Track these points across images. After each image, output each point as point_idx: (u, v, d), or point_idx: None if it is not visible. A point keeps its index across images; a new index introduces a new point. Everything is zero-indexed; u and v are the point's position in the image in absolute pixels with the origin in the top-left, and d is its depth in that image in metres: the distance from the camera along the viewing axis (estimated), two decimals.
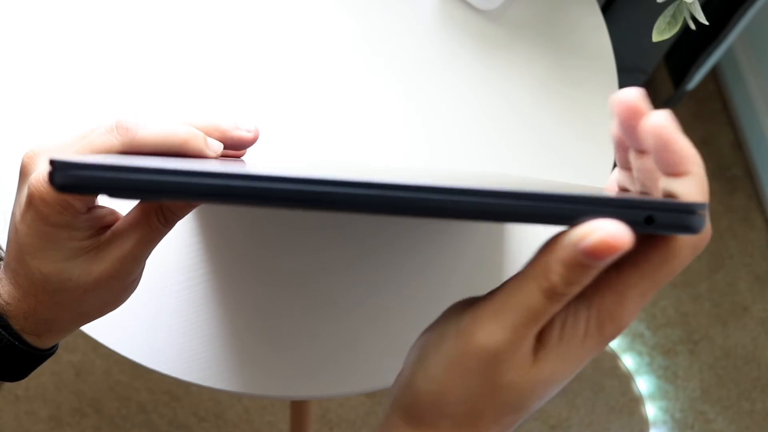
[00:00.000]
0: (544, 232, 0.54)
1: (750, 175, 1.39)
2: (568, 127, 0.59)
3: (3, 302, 0.33)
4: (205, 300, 0.51)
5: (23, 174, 0.32)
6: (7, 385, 1.11)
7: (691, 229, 0.25)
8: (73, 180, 0.23)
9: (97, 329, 0.49)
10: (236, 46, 0.59)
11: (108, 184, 0.23)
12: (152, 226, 0.33)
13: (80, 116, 0.55)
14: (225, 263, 0.52)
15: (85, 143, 0.31)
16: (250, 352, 0.50)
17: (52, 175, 0.23)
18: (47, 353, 0.36)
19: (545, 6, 0.63)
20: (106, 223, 0.34)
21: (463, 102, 0.59)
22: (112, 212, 0.35)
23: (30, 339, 0.34)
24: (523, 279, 0.26)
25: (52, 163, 0.23)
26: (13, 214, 0.33)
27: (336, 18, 0.61)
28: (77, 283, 0.32)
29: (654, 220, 0.24)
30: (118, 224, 0.34)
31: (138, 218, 0.33)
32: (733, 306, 1.27)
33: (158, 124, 0.32)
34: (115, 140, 0.31)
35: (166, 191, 0.24)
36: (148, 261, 0.47)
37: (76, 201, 0.31)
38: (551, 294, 0.25)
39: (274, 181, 0.23)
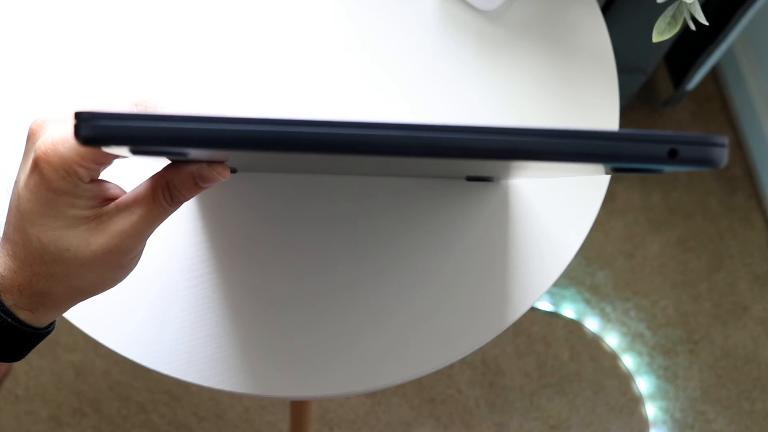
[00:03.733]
0: (546, 228, 0.53)
1: (750, 175, 1.39)
2: None
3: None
4: (206, 300, 0.51)
5: (30, 140, 0.32)
6: (7, 385, 1.11)
7: (713, 162, 0.24)
8: (99, 131, 0.23)
9: (98, 329, 0.49)
10: (237, 46, 0.59)
11: (134, 134, 0.23)
12: (158, 203, 0.33)
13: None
14: (226, 264, 0.52)
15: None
16: (251, 352, 0.50)
17: (77, 128, 0.23)
18: (42, 332, 0.36)
19: (545, 6, 0.63)
20: (109, 195, 0.33)
21: (462, 102, 0.59)
22: (117, 186, 0.34)
23: (23, 315, 0.34)
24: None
25: (77, 115, 0.23)
26: (16, 181, 0.33)
27: (335, 18, 0.61)
28: (75, 254, 0.32)
29: (677, 153, 0.24)
30: (122, 198, 0.33)
31: (144, 194, 0.33)
32: (733, 306, 1.27)
33: (178, 106, 0.32)
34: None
35: (193, 139, 0.23)
36: (151, 261, 0.47)
37: (80, 168, 0.31)
38: None
39: (301, 125, 0.23)
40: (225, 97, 0.57)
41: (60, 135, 0.30)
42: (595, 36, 0.63)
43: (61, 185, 0.31)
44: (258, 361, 0.50)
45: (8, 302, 0.33)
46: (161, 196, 0.33)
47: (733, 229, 1.33)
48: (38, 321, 0.35)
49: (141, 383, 1.12)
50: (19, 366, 1.11)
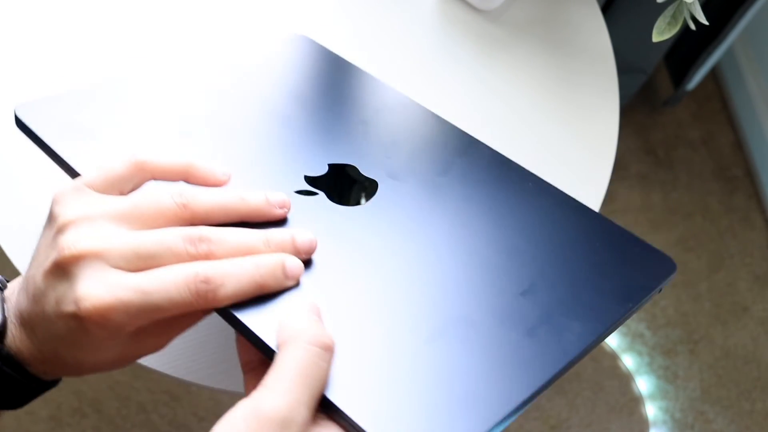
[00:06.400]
0: None
1: (750, 175, 1.39)
2: (567, 128, 0.59)
3: (14, 349, 0.32)
4: None
5: (63, 267, 0.29)
6: None
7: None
8: None
9: None
10: None
11: None
12: (192, 323, 0.33)
13: None
14: None
15: (162, 298, 0.29)
16: None
17: None
18: (50, 385, 0.35)
19: (545, 6, 0.63)
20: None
21: (462, 102, 0.59)
22: None
23: (40, 376, 0.34)
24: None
25: None
26: (46, 296, 0.30)
27: (335, 18, 0.61)
28: (106, 360, 0.32)
29: (661, 289, 0.35)
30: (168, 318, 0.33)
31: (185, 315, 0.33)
32: (733, 306, 1.27)
33: (235, 277, 0.30)
34: (193, 301, 0.30)
35: None
36: None
37: (129, 327, 0.30)
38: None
39: None
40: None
41: (111, 296, 0.29)
42: (595, 36, 0.63)
43: (105, 335, 0.30)
44: None
45: (31, 370, 0.33)
46: (201, 316, 0.33)
47: (733, 229, 1.33)
48: (46, 377, 0.35)
49: (141, 383, 1.12)
50: None
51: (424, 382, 0.29)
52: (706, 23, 0.50)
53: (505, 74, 0.60)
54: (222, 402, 1.12)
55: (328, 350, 0.28)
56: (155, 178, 0.34)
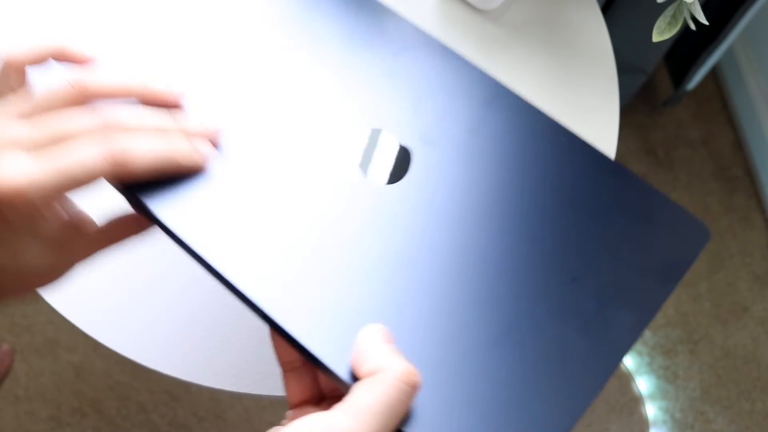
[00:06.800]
0: None
1: (750, 175, 1.39)
2: None
3: None
4: (206, 300, 0.50)
5: None
6: (7, 385, 1.11)
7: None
8: None
9: (98, 329, 0.49)
10: (233, 47, 0.59)
11: None
12: (122, 237, 0.34)
13: None
14: None
15: (77, 169, 0.28)
16: (250, 352, 0.50)
17: None
18: None
19: (545, 6, 0.63)
20: (74, 220, 0.33)
21: None
22: (82, 212, 0.34)
23: None
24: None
25: None
26: None
27: None
28: (26, 266, 0.31)
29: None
30: (92, 232, 0.33)
31: (115, 230, 0.34)
32: (733, 306, 1.27)
33: (151, 147, 0.30)
34: (108, 168, 0.29)
35: None
36: (151, 261, 0.47)
37: (49, 211, 0.30)
38: None
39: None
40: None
41: (26, 175, 0.28)
42: (595, 36, 0.63)
43: (24, 224, 0.29)
44: (258, 361, 0.50)
45: None
46: (131, 235, 0.34)
47: (733, 229, 1.33)
48: None
49: (141, 383, 1.12)
50: (19, 366, 1.11)
51: (492, 398, 0.28)
52: (706, 23, 0.50)
53: (505, 75, 0.60)
54: (222, 402, 1.12)
55: (415, 389, 0.28)
56: (29, 64, 0.33)
